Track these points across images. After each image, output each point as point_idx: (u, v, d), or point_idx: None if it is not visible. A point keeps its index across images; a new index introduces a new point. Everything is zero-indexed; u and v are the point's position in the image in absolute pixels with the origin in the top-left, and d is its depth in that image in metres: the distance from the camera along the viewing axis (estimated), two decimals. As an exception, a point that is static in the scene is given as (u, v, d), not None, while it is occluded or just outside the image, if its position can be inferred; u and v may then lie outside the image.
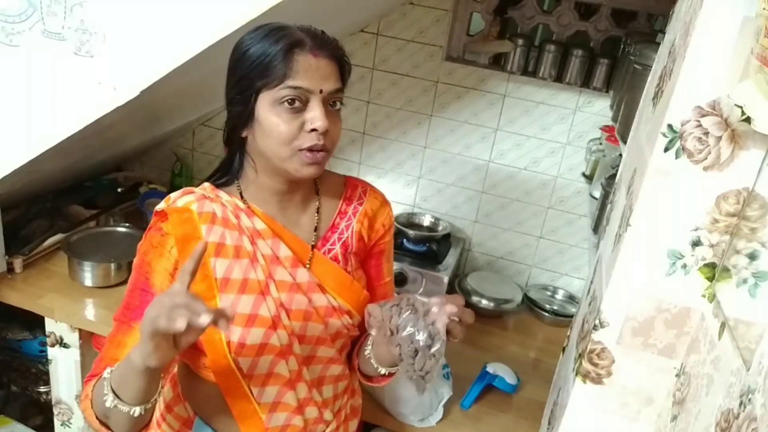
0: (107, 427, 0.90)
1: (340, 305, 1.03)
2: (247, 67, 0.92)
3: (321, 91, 0.91)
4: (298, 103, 0.91)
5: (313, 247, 1.04)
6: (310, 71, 0.90)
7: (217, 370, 0.97)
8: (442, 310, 0.86)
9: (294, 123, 0.91)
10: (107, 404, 0.85)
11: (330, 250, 1.05)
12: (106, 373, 0.88)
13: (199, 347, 0.97)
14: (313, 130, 0.91)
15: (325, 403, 1.06)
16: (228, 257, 0.96)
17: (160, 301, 0.78)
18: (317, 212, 1.06)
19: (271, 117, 0.91)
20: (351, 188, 1.11)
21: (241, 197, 1.01)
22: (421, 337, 0.85)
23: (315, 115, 0.91)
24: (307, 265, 1.02)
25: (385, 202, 1.13)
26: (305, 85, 0.90)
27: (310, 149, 0.92)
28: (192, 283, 0.94)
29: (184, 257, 0.95)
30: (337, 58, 0.94)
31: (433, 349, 0.85)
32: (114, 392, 0.85)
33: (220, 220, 0.97)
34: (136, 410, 0.85)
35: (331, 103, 0.94)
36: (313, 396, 1.04)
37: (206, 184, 1.02)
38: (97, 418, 0.90)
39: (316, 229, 1.05)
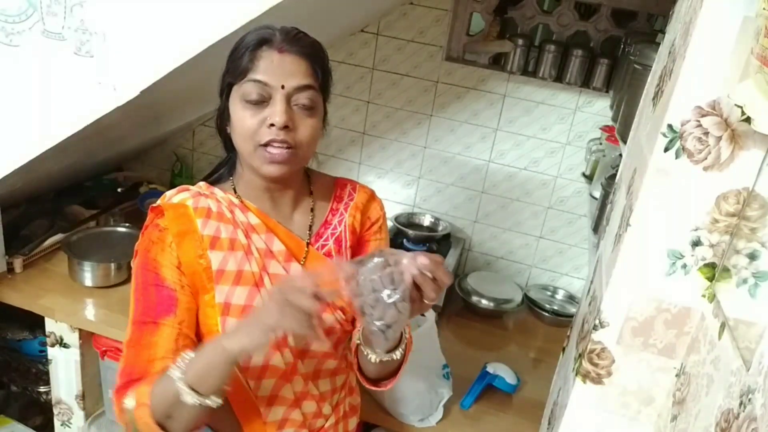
0: (164, 428, 0.87)
1: (333, 301, 1.03)
2: (227, 65, 0.96)
3: (283, 87, 0.91)
4: (260, 99, 0.92)
5: (307, 243, 1.05)
6: (271, 66, 0.91)
7: None
8: (412, 262, 0.81)
9: (256, 118, 0.92)
10: (190, 401, 0.83)
11: (324, 246, 1.07)
12: (175, 374, 0.84)
13: (199, 341, 0.99)
14: (272, 125, 0.91)
15: (323, 397, 1.07)
16: (223, 250, 0.98)
17: (285, 299, 0.79)
18: (311, 210, 1.08)
19: (237, 111, 0.94)
20: (340, 187, 1.13)
21: (235, 193, 1.03)
22: (384, 285, 0.80)
23: (274, 110, 0.91)
24: (302, 261, 1.03)
25: (373, 197, 1.15)
26: (264, 79, 0.91)
27: (269, 144, 0.92)
28: (187, 276, 0.96)
29: (182, 252, 0.96)
30: (308, 56, 0.94)
31: (392, 298, 0.80)
32: (193, 389, 0.83)
33: (215, 215, 0.99)
34: (218, 401, 0.85)
35: (303, 104, 0.94)
36: (310, 389, 1.04)
37: (201, 183, 1.04)
38: (156, 422, 0.87)
39: (310, 227, 1.07)
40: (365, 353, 0.97)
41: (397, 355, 0.96)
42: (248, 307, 0.97)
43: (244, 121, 0.93)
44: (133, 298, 0.97)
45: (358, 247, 1.12)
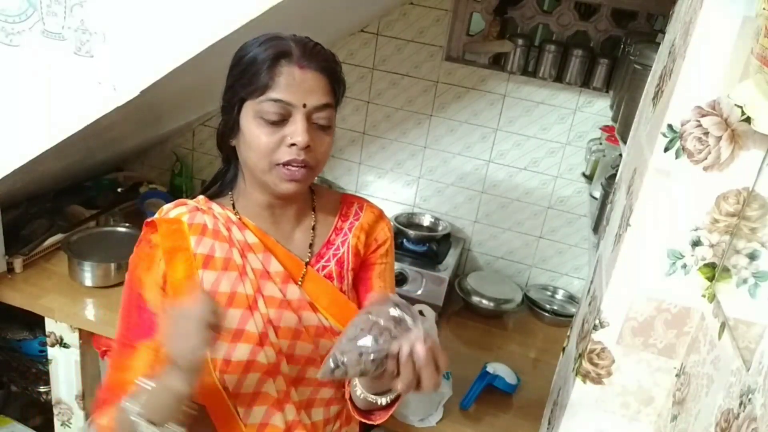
0: None
1: (331, 325, 1.00)
2: (236, 74, 0.91)
3: (304, 106, 0.89)
4: (279, 117, 0.88)
5: (307, 263, 1.01)
6: (293, 84, 0.88)
7: (201, 388, 0.93)
8: (409, 345, 0.80)
9: (274, 136, 0.89)
10: None
11: (324, 267, 1.03)
12: (131, 409, 0.82)
13: None
14: (293, 144, 0.88)
15: (315, 427, 1.02)
16: (216, 269, 0.94)
17: (187, 329, 0.78)
18: (312, 229, 1.04)
19: (252, 128, 0.89)
20: (347, 205, 1.08)
21: (234, 209, 0.99)
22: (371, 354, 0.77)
23: (295, 130, 0.88)
24: (300, 282, 0.99)
25: (380, 217, 1.10)
26: (287, 98, 0.88)
27: (288, 164, 0.89)
28: (179, 295, 0.92)
29: (171, 269, 0.94)
30: (327, 71, 0.91)
31: (367, 351, 0.77)
32: (150, 421, 0.81)
33: (211, 232, 0.96)
34: (180, 429, 0.84)
35: (319, 121, 0.91)
36: (302, 419, 1.00)
37: (200, 197, 1.01)
38: None
39: (311, 246, 1.03)
40: (359, 394, 0.91)
41: (382, 402, 0.90)
42: (240, 331, 0.94)
43: (259, 138, 0.89)
44: (119, 314, 0.96)
45: (361, 270, 1.07)
